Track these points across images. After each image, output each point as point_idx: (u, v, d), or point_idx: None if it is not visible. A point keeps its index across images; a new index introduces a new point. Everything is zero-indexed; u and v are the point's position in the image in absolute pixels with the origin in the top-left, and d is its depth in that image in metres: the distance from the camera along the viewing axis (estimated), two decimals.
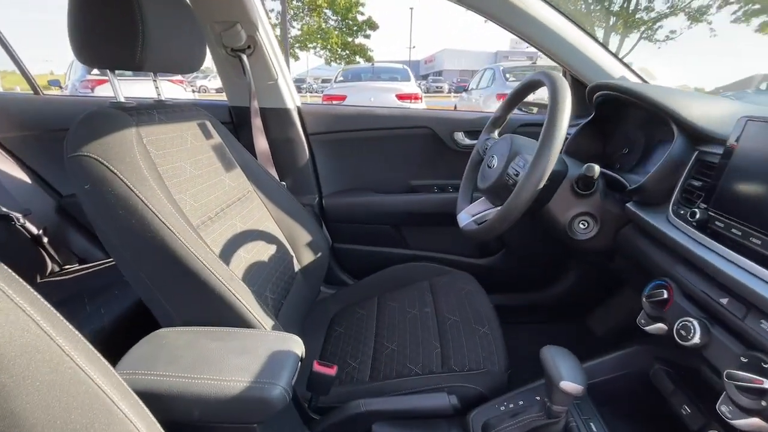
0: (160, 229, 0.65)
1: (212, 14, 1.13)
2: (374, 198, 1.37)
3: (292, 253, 1.08)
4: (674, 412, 0.66)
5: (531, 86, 0.91)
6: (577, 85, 1.24)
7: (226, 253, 0.86)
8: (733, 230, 0.54)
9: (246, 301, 0.71)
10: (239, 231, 0.93)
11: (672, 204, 0.69)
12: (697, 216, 0.60)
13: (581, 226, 0.84)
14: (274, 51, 1.19)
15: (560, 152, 0.70)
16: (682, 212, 0.65)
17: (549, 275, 1.45)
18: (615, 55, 1.10)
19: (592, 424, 0.67)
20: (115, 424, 0.36)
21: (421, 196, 1.34)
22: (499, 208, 0.88)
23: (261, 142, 1.24)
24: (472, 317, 0.96)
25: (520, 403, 0.73)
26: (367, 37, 16.90)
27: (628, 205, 0.79)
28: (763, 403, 0.45)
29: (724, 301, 0.54)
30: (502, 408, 0.73)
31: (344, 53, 16.78)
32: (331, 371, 0.77)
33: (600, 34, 15.55)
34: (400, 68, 7.01)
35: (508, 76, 6.29)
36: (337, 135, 1.35)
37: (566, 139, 1.08)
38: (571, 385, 0.55)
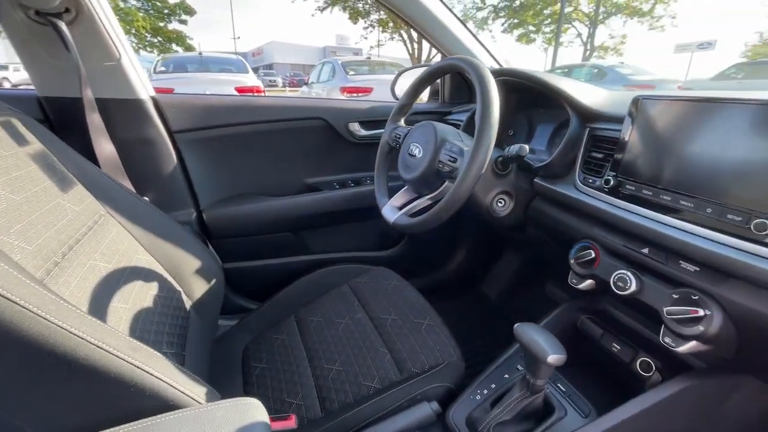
0: None
1: None
2: (267, 203, 1.18)
3: (179, 288, 0.84)
4: (607, 351, 0.78)
5: (441, 72, 0.92)
6: (455, 73, 1.33)
7: (96, 310, 0.60)
8: (644, 191, 0.65)
9: (163, 372, 0.50)
10: (104, 274, 0.66)
11: (577, 174, 0.79)
12: (611, 183, 0.70)
13: (499, 204, 0.90)
14: (109, 19, 0.87)
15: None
16: (590, 180, 0.76)
17: (444, 255, 1.55)
18: (483, 45, 1.21)
19: (559, 384, 0.73)
20: None
21: (322, 195, 1.22)
22: (429, 196, 0.86)
23: (104, 146, 0.90)
24: (410, 312, 0.93)
25: (492, 386, 0.74)
26: (183, 22, 14.82)
27: (536, 180, 0.88)
28: (700, 327, 0.55)
29: (646, 251, 0.65)
30: (478, 398, 0.73)
31: (156, 40, 14.30)
32: (290, 423, 0.62)
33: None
34: (234, 59, 6.39)
35: (348, 69, 6.47)
36: (211, 132, 1.10)
37: (459, 126, 1.15)
38: (557, 357, 0.58)
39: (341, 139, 1.23)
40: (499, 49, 1.22)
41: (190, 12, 14.63)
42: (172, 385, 0.50)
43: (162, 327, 0.73)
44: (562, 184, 0.82)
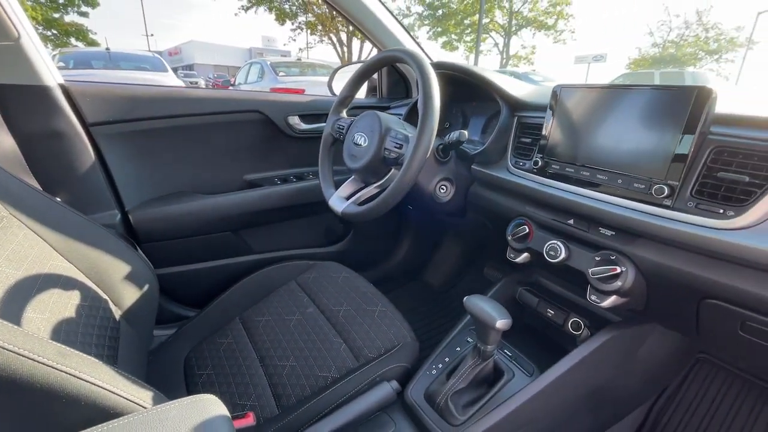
0: None
1: None
2: (203, 201, 1.10)
3: (105, 296, 0.76)
4: (543, 316, 0.86)
5: (382, 63, 0.94)
6: (392, 68, 1.37)
7: (6, 320, 0.52)
8: (567, 169, 0.73)
9: (100, 378, 0.45)
10: (12, 282, 0.58)
11: (509, 159, 0.87)
12: (538, 164, 0.78)
13: (441, 190, 0.95)
14: None
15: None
16: (521, 163, 0.83)
17: (390, 247, 1.58)
18: (415, 40, 1.26)
19: (506, 350, 0.78)
20: None
21: (264, 191, 1.18)
22: (376, 184, 0.88)
23: (2, 140, 0.78)
24: (361, 301, 0.94)
25: (446, 359, 0.77)
26: (84, 15, 13.19)
27: (473, 166, 0.95)
28: (618, 282, 0.64)
29: (571, 221, 0.73)
30: (434, 372, 0.76)
31: (50, 33, 12.53)
32: (249, 420, 0.59)
33: None
34: (149, 56, 5.86)
35: (277, 70, 6.29)
36: (135, 125, 1.00)
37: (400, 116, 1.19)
38: (504, 322, 0.63)
39: (281, 133, 1.19)
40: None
41: (92, 3, 13.03)
42: (112, 391, 0.46)
43: (89, 338, 0.66)
44: (496, 168, 0.89)
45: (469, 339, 0.82)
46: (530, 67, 20.54)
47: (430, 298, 1.53)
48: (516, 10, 19.74)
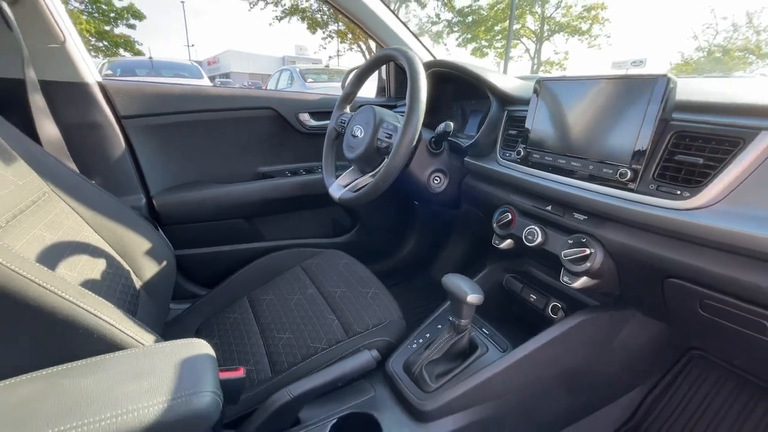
0: None
1: None
2: (221, 189, 1.21)
3: (128, 267, 0.86)
4: (526, 301, 0.89)
5: (379, 62, 1.01)
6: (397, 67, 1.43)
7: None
8: (546, 158, 0.77)
9: (110, 316, 0.54)
10: (50, 243, 0.68)
11: (498, 151, 0.91)
12: (521, 154, 0.82)
13: (435, 181, 1.00)
14: (53, 2, 0.88)
15: None
16: (507, 154, 0.87)
17: (395, 243, 1.63)
18: (418, 39, 1.32)
19: (484, 329, 0.82)
20: None
21: (275, 181, 1.27)
22: (371, 173, 0.95)
23: (48, 128, 0.91)
24: (357, 284, 1.00)
25: (428, 335, 0.82)
26: (132, 27, 14.18)
27: (466, 158, 0.99)
28: (588, 263, 0.67)
29: (549, 208, 0.77)
30: (414, 346, 0.81)
31: (102, 44, 13.57)
32: (239, 372, 0.66)
33: None
34: (187, 65, 6.24)
35: (306, 77, 6.52)
36: (160, 118, 1.12)
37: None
38: (475, 296, 0.67)
39: (292, 129, 1.28)
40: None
41: (139, 16, 14.04)
42: (121, 330, 0.54)
43: (111, 300, 0.75)
44: (487, 160, 0.94)
45: (451, 318, 0.86)
46: (562, 73, 20.05)
47: (432, 292, 1.57)
48: (548, 15, 19.41)
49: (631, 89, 0.62)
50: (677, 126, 0.58)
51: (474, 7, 19.46)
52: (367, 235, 1.49)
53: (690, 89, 0.61)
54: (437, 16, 20.81)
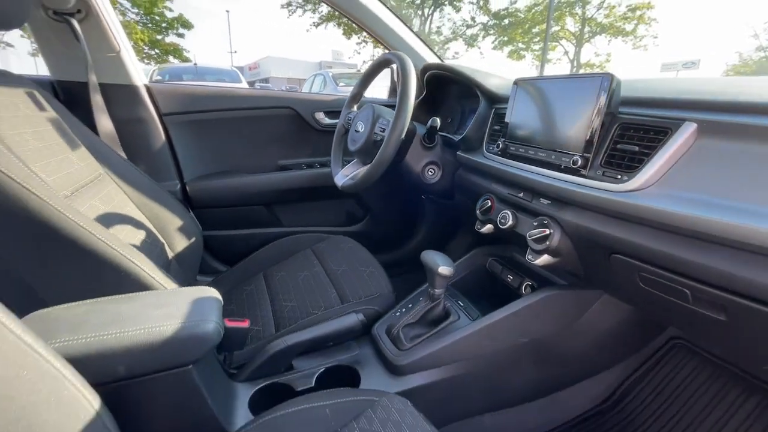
0: (21, 194, 0.57)
1: None
2: (245, 179, 1.37)
3: (163, 240, 1.02)
4: (504, 282, 0.97)
5: (381, 65, 1.13)
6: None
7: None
8: (519, 150, 0.85)
9: (144, 266, 0.69)
10: (102, 213, 0.85)
11: (484, 145, 1.00)
12: (500, 146, 0.90)
13: (429, 173, 1.10)
14: (112, 19, 1.08)
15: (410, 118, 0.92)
16: (491, 148, 0.96)
17: (404, 235, 1.74)
18: (425, 42, 1.43)
19: (459, 301, 0.92)
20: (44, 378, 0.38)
21: (293, 173, 1.42)
22: (371, 164, 1.06)
23: (104, 123, 1.10)
24: (358, 264, 1.12)
25: (410, 306, 0.93)
26: (181, 36, 15.22)
27: (458, 153, 1.09)
28: (547, 242, 0.75)
29: (521, 195, 0.85)
30: (398, 314, 0.91)
31: (154, 52, 14.66)
32: (244, 323, 0.80)
33: None
34: (227, 70, 6.67)
35: (338, 81, 6.76)
36: (195, 116, 1.30)
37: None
38: (446, 268, 0.77)
39: (308, 126, 1.43)
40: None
41: (188, 26, 15.09)
42: (152, 276, 0.69)
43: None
44: (475, 154, 1.03)
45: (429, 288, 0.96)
46: None
47: None
48: (589, 16, 18.78)
49: (584, 87, 0.70)
50: (622, 119, 0.66)
51: (511, 10, 19.18)
52: (376, 226, 1.61)
53: (644, 87, 0.68)
54: (472, 19, 20.70)
